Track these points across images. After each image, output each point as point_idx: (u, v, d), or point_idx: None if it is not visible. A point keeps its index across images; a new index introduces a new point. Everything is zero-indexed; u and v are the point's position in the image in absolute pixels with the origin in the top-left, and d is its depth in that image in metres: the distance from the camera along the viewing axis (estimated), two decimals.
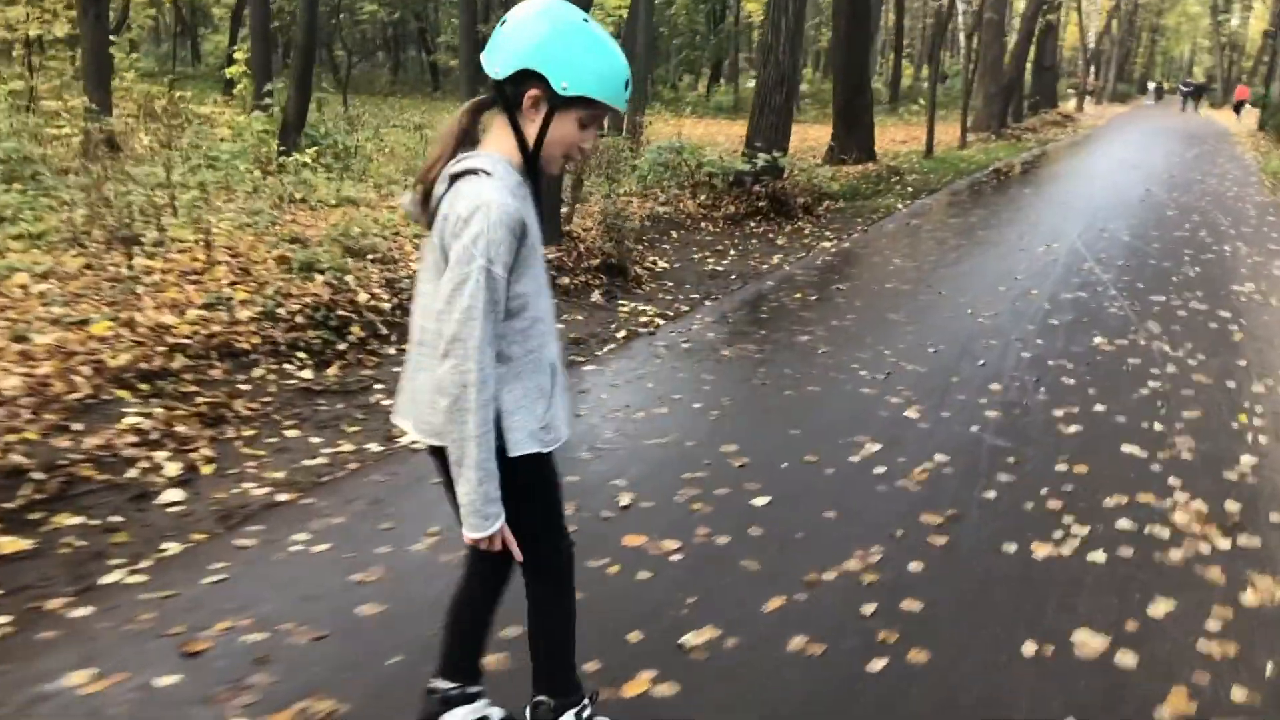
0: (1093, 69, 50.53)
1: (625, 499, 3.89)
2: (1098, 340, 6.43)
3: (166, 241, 6.78)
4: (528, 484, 2.04)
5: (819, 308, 7.21)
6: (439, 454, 1.99)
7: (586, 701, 2.30)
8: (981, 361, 5.90)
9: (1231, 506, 3.97)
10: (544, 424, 2.01)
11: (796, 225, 10.96)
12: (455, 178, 1.88)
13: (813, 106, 32.34)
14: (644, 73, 16.77)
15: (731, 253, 9.37)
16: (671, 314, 7.01)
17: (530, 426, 1.99)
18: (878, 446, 4.52)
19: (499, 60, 1.88)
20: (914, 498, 4.01)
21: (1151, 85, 61.59)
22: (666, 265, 8.62)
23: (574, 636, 2.28)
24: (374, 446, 4.45)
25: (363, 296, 6.03)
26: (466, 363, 1.82)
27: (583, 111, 1.91)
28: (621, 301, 7.27)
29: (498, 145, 1.94)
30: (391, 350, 5.74)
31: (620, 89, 1.92)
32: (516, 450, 1.97)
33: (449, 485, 1.98)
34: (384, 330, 5.88)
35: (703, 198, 11.24)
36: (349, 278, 6.17)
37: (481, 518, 1.91)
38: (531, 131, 1.91)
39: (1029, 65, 30.17)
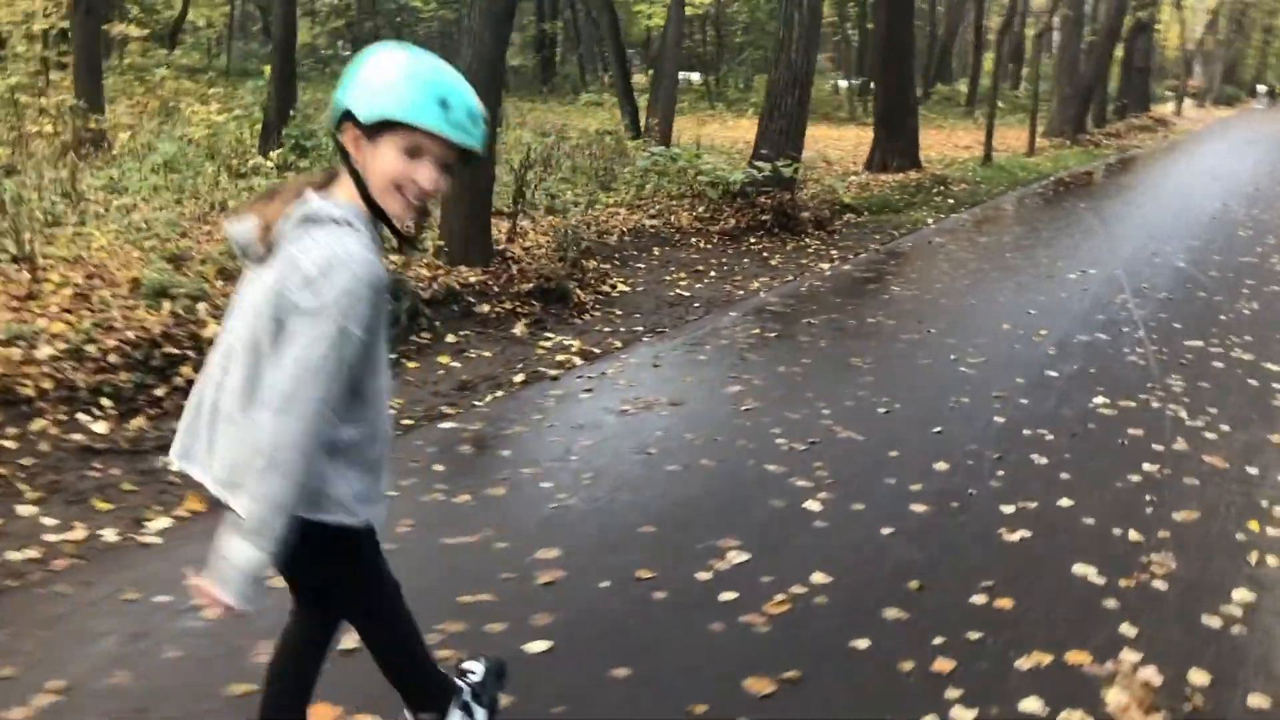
0: (1196, 70, 47.70)
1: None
2: (1097, 401, 5.25)
3: (35, 256, 6.04)
4: (347, 554, 1.99)
5: (772, 348, 6.15)
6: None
7: (462, 688, 2.36)
8: (938, 428, 4.79)
9: (1197, 678, 2.84)
10: (365, 498, 1.90)
11: (802, 242, 9.84)
12: (309, 220, 1.75)
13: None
14: (675, 69, 15.73)
15: (712, 274, 8.33)
16: (598, 351, 6.02)
17: (348, 494, 1.87)
18: (743, 558, 3.49)
19: (333, 112, 1.82)
20: (753, 645, 2.98)
21: (1262, 88, 58.16)
22: (628, 289, 7.64)
23: (411, 651, 2.25)
24: (111, 534, 3.57)
25: (212, 329, 5.18)
26: (298, 424, 1.69)
27: (399, 139, 1.74)
28: (549, 334, 6.31)
29: (347, 193, 1.81)
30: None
31: (430, 107, 1.72)
32: (334, 517, 1.86)
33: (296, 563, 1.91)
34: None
35: (701, 210, 10.20)
36: (202, 305, 5.33)
37: (239, 587, 1.76)
38: (360, 172, 1.79)
39: (1116, 66, 28.23)
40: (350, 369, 1.71)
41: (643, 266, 8.45)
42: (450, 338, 6.00)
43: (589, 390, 5.25)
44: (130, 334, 4.88)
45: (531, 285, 6.73)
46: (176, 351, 4.94)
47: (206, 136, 10.67)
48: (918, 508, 3.92)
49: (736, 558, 3.48)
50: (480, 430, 4.64)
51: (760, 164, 10.04)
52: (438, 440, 4.49)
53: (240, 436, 1.77)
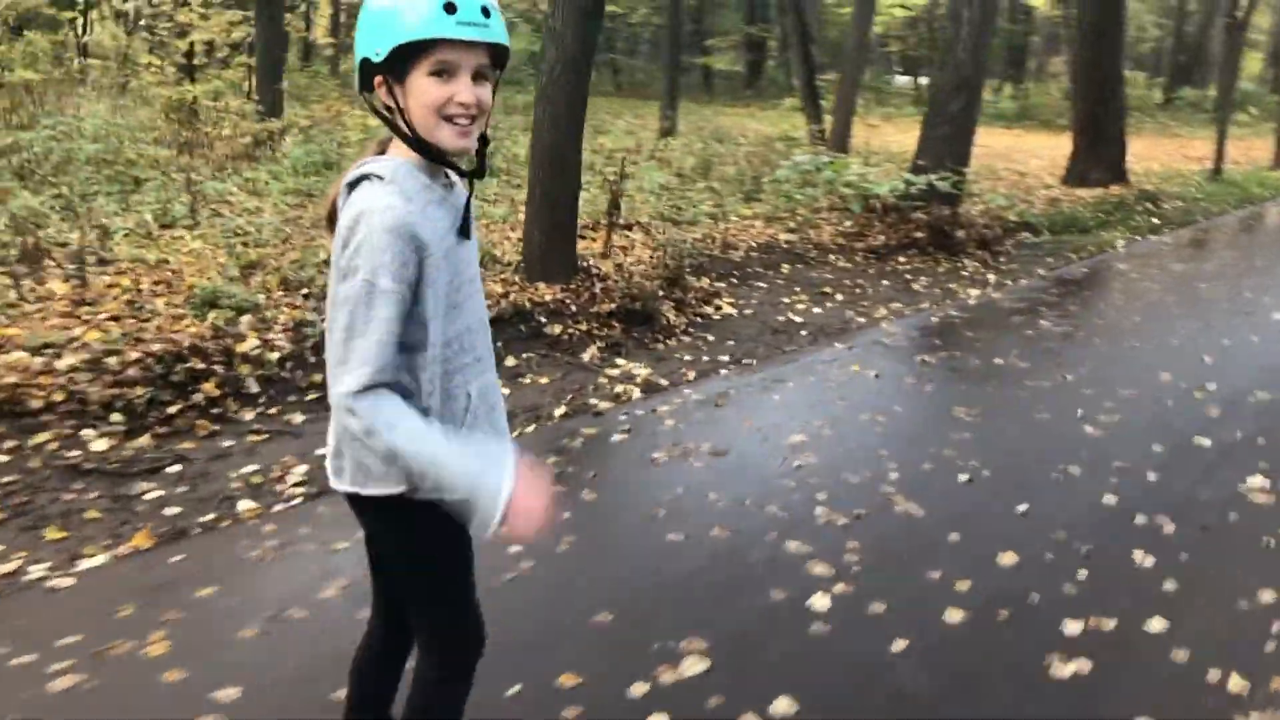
0: None
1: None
2: (1251, 483, 4.21)
3: (120, 258, 6.10)
4: (426, 530, 1.77)
5: (864, 389, 5.37)
6: (354, 502, 1.80)
7: None
8: (1024, 506, 3.94)
9: None
10: None
11: (958, 264, 8.85)
12: (351, 186, 1.67)
13: (1147, 116, 27.94)
14: (858, 72, 14.81)
15: (839, 297, 7.55)
16: (665, 383, 5.45)
17: None
18: (701, 666, 2.85)
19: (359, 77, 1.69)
20: None
21: None
22: (734, 311, 6.99)
23: None
24: (38, 570, 3.35)
25: (249, 343, 4.98)
26: (351, 385, 1.58)
27: (423, 64, 1.60)
28: (621, 361, 5.79)
29: (396, 150, 1.71)
30: (249, 415, 4.66)
31: (435, 15, 1.56)
32: (414, 491, 1.70)
33: (370, 541, 1.92)
34: (253, 389, 4.80)
35: (847, 224, 9.37)
36: (246, 318, 5.15)
37: (489, 496, 1.62)
38: (403, 121, 1.65)
39: None
40: (388, 324, 1.57)
41: (764, 286, 7.77)
42: (510, 360, 5.58)
43: (626, 431, 4.69)
44: (157, 346, 4.74)
45: (615, 305, 6.22)
46: (202, 366, 4.75)
47: (360, 141, 10.78)
48: (953, 615, 3.14)
49: (692, 666, 2.85)
50: None
51: (913, 176, 9.10)
52: None
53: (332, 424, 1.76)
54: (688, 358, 5.96)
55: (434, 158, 1.67)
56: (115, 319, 5.10)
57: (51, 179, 8.23)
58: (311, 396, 4.91)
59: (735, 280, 7.82)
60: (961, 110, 9.48)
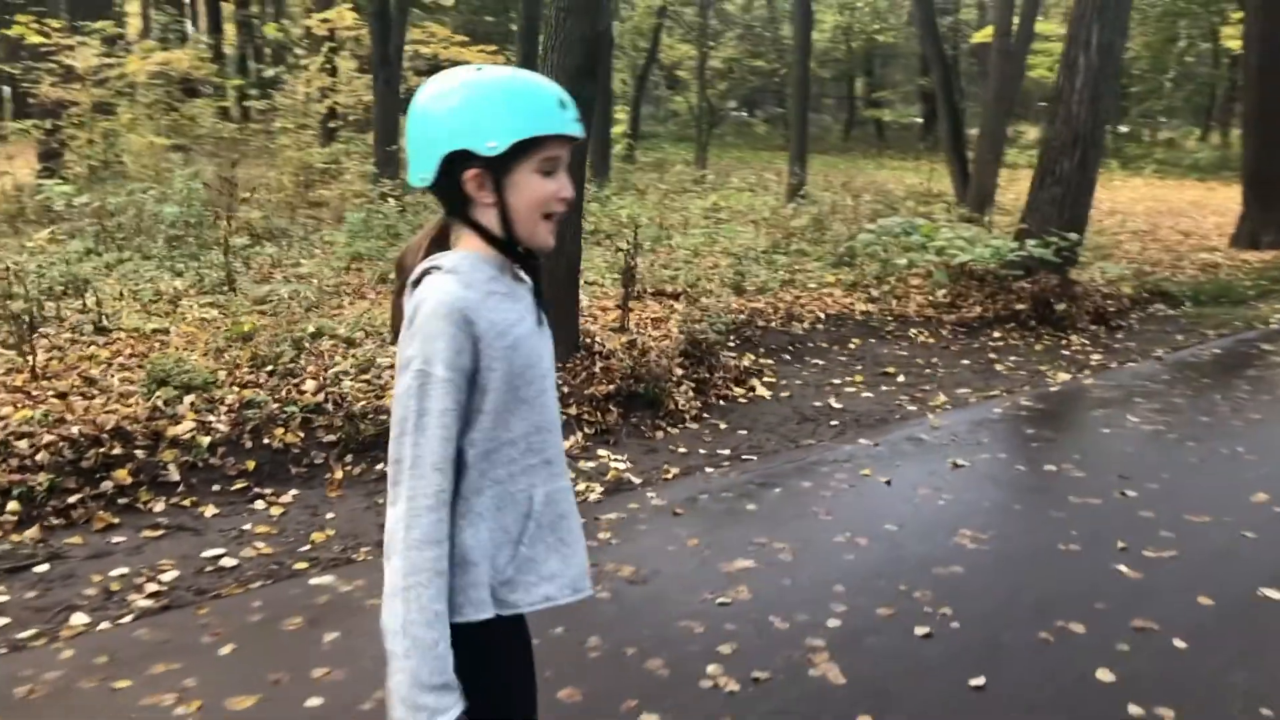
0: None
1: None
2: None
3: (123, 327, 6.01)
4: (476, 659, 1.54)
5: (867, 499, 4.55)
6: None
7: None
8: (980, 680, 3.08)
9: None
10: (504, 579, 1.56)
11: (1063, 341, 7.77)
12: (416, 283, 1.56)
13: None
14: (999, 123, 13.70)
15: (900, 379, 6.68)
16: (637, 481, 4.81)
17: (481, 582, 1.54)
18: None
19: (416, 168, 1.57)
20: None
21: None
22: (769, 393, 6.26)
23: None
24: None
25: (184, 426, 4.69)
26: (399, 489, 1.46)
27: (535, 159, 1.54)
28: (603, 452, 5.19)
29: (465, 244, 1.60)
30: (159, 506, 4.34)
31: (554, 110, 1.54)
32: (457, 615, 1.52)
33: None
34: (173, 476, 4.49)
35: (940, 294, 8.43)
36: (190, 398, 4.87)
37: (410, 709, 1.44)
38: (492, 217, 1.57)
39: None
40: (446, 416, 1.46)
41: (820, 364, 6.98)
42: None
43: None
44: (76, 429, 4.49)
45: (613, 387, 5.63)
46: (119, 451, 4.47)
47: None
48: None
49: None
50: (324, 605, 3.63)
51: (1013, 242, 8.08)
52: (276, 601, 3.57)
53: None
54: (682, 450, 5.29)
55: (512, 252, 1.60)
56: (63, 396, 4.92)
57: (122, 241, 8.41)
58: (238, 486, 4.55)
59: (789, 356, 7.08)
60: (1076, 168, 8.40)
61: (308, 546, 4.09)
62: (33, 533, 4.07)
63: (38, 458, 4.36)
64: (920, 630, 3.39)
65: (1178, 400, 6.21)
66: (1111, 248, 10.53)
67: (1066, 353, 7.48)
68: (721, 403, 6.04)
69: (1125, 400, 6.19)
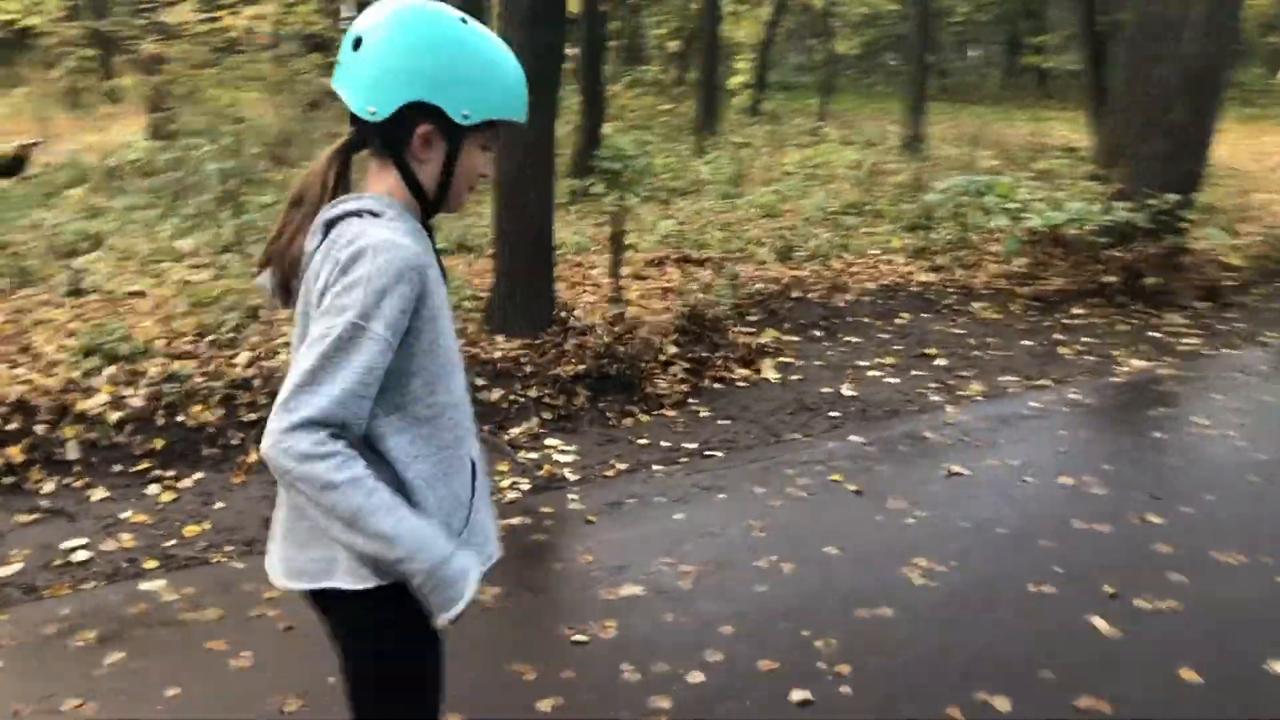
0: None
1: None
2: None
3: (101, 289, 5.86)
4: (409, 623, 1.50)
5: (817, 513, 3.86)
6: (318, 600, 1.56)
7: None
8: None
9: None
10: (460, 543, 1.50)
11: (1155, 320, 6.71)
12: (331, 224, 1.45)
13: None
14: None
15: (939, 362, 5.86)
16: (573, 478, 4.27)
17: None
18: None
19: (368, 96, 1.46)
20: None
21: None
22: (778, 376, 5.57)
23: None
24: None
25: (97, 399, 4.43)
26: (295, 424, 1.33)
27: (486, 135, 1.54)
28: (553, 441, 4.66)
29: (383, 186, 1.51)
30: (48, 487, 4.08)
31: (522, 96, 1.55)
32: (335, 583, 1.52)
33: (335, 638, 1.60)
34: (71, 455, 4.22)
35: (1019, 263, 7.44)
36: (110, 370, 4.61)
37: (449, 582, 1.44)
38: (428, 172, 1.51)
39: None
40: (367, 374, 1.36)
41: (853, 342, 6.21)
42: None
43: None
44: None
45: (584, 367, 5.07)
46: (15, 427, 4.24)
47: None
48: None
49: None
50: (130, 618, 3.23)
51: (1089, 205, 7.02)
52: (87, 609, 3.21)
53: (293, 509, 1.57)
54: (642, 441, 4.70)
55: (429, 209, 1.55)
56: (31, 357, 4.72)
57: (178, 198, 8.34)
58: (140, 467, 4.25)
59: (820, 333, 6.33)
60: (1190, 115, 7.20)
61: (174, 541, 3.73)
62: None
63: None
64: (798, 695, 2.74)
65: (1267, 399, 5.18)
66: (1237, 211, 9.15)
67: (1155, 334, 6.43)
68: (716, 386, 5.39)
69: (1199, 395, 5.21)
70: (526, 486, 4.18)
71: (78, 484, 4.14)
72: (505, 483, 4.20)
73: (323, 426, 1.34)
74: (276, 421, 1.34)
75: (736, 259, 7.32)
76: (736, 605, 3.21)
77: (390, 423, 1.45)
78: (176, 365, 4.72)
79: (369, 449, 1.44)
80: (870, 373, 5.68)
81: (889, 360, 5.89)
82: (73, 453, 4.26)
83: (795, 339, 6.18)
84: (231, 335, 5.04)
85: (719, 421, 4.96)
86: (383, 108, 1.46)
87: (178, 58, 12.20)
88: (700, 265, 7.03)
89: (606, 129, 11.51)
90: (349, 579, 1.49)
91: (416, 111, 1.46)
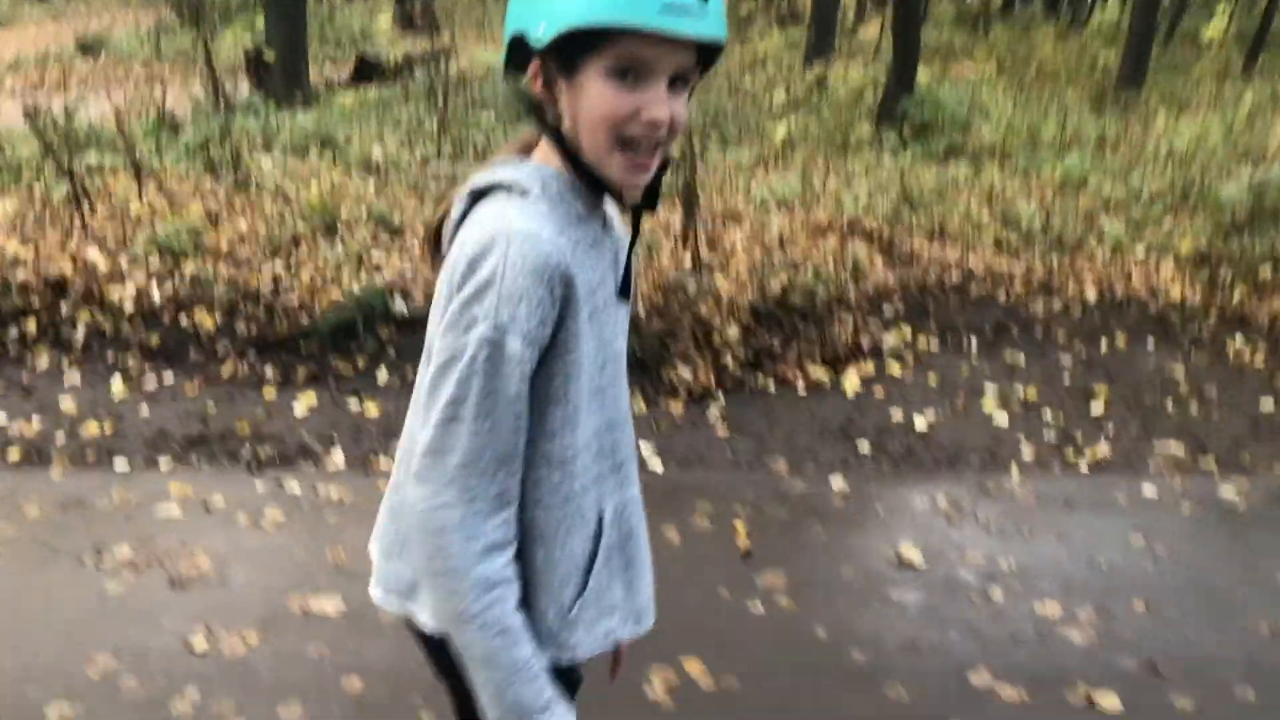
0: None
1: None
2: None
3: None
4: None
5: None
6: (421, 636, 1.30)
7: None
8: None
9: None
10: (568, 618, 1.23)
11: None
12: (477, 196, 1.18)
13: None
14: None
15: (1096, 410, 4.40)
16: None
17: (539, 617, 1.22)
18: None
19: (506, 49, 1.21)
20: None
21: None
22: (857, 389, 4.51)
23: None
24: None
25: (125, 290, 4.68)
26: (444, 493, 1.09)
27: (599, 57, 1.07)
28: None
29: (544, 156, 1.20)
30: (42, 363, 4.39)
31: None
32: None
33: (442, 675, 1.31)
34: (78, 336, 4.50)
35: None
36: (155, 262, 4.85)
37: None
38: (567, 127, 1.15)
39: None
40: (517, 406, 1.10)
41: (1013, 363, 4.85)
42: (385, 377, 4.38)
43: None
44: (21, 274, 4.66)
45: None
46: (40, 304, 4.57)
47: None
48: None
49: None
50: None
51: None
52: None
53: (390, 515, 1.32)
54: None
55: (593, 181, 1.15)
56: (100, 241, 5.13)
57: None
58: (131, 363, 4.41)
59: (974, 344, 5.02)
60: None
61: (64, 439, 3.81)
62: None
63: None
64: None
65: None
66: None
67: None
68: (769, 386, 4.47)
69: None
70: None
71: (66, 366, 4.39)
72: None
73: (492, 550, 1.11)
74: (422, 491, 1.11)
75: (933, 236, 6.04)
76: None
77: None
78: (208, 267, 4.82)
79: None
80: (972, 406, 4.39)
81: (1028, 394, 4.52)
82: (79, 335, 4.52)
83: (932, 348, 4.96)
84: (286, 245, 5.06)
85: (717, 432, 4.10)
86: (504, 55, 1.19)
87: None
88: (869, 239, 5.86)
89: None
90: (430, 617, 1.23)
91: (521, 47, 1.14)
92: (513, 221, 1.08)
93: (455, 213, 1.19)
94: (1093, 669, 2.66)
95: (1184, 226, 6.51)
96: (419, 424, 1.12)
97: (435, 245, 1.24)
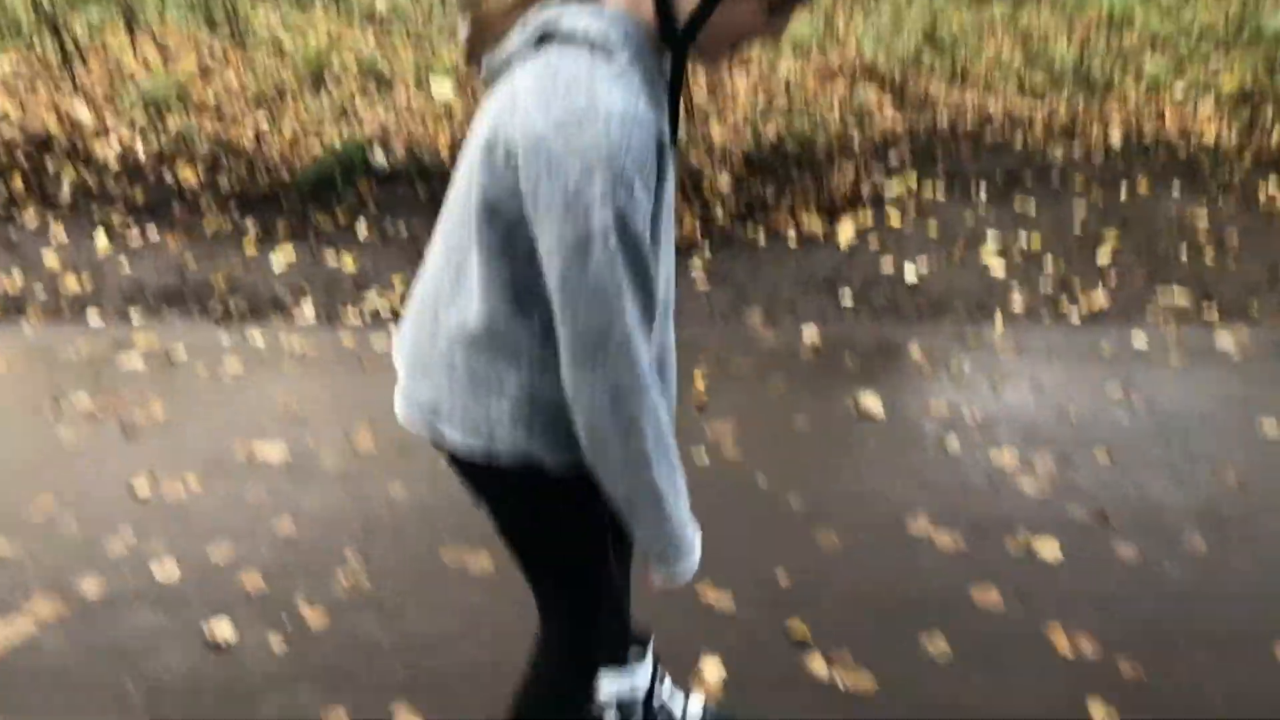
0: None
1: None
2: None
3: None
4: (583, 502, 1.29)
5: None
6: (453, 455, 1.28)
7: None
8: None
9: None
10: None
11: None
12: (544, 39, 1.08)
13: None
14: None
15: (1102, 259, 4.19)
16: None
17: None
18: None
19: None
20: None
21: None
22: (851, 240, 4.35)
23: None
24: None
25: (109, 145, 4.66)
26: (617, 369, 1.08)
27: None
28: None
29: (634, 3, 1.08)
30: (30, 222, 4.41)
31: None
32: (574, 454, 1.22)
33: (482, 495, 1.32)
34: (64, 193, 4.51)
35: None
36: (140, 119, 4.79)
37: (687, 549, 1.24)
38: (686, 2, 1.06)
39: None
40: (648, 269, 1.07)
41: (1023, 210, 4.63)
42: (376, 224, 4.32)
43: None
44: (9, 133, 4.66)
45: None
46: (26, 162, 4.58)
47: None
48: None
49: None
50: None
51: None
52: None
53: (436, 358, 1.23)
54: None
55: (675, 45, 1.09)
56: (90, 98, 5.10)
57: None
58: (115, 218, 4.42)
59: (984, 192, 4.80)
60: None
61: (44, 294, 3.85)
62: None
63: None
64: None
65: None
66: None
67: None
68: (759, 238, 4.33)
69: None
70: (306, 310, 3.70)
71: (52, 222, 4.41)
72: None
73: (637, 359, 1.08)
74: (589, 372, 1.08)
75: (953, 80, 5.71)
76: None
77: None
78: (192, 122, 4.75)
79: None
80: (970, 256, 4.21)
81: (1032, 243, 4.31)
82: (65, 193, 4.53)
83: (938, 196, 4.74)
84: (269, 99, 4.95)
85: (697, 285, 3.99)
86: None
87: None
88: (882, 85, 5.55)
89: None
90: (458, 433, 1.20)
91: None
92: (607, 95, 0.99)
93: (514, 42, 1.08)
94: (1039, 518, 2.58)
95: (1230, 63, 6.07)
96: (561, 322, 1.07)
97: (481, 38, 1.14)
